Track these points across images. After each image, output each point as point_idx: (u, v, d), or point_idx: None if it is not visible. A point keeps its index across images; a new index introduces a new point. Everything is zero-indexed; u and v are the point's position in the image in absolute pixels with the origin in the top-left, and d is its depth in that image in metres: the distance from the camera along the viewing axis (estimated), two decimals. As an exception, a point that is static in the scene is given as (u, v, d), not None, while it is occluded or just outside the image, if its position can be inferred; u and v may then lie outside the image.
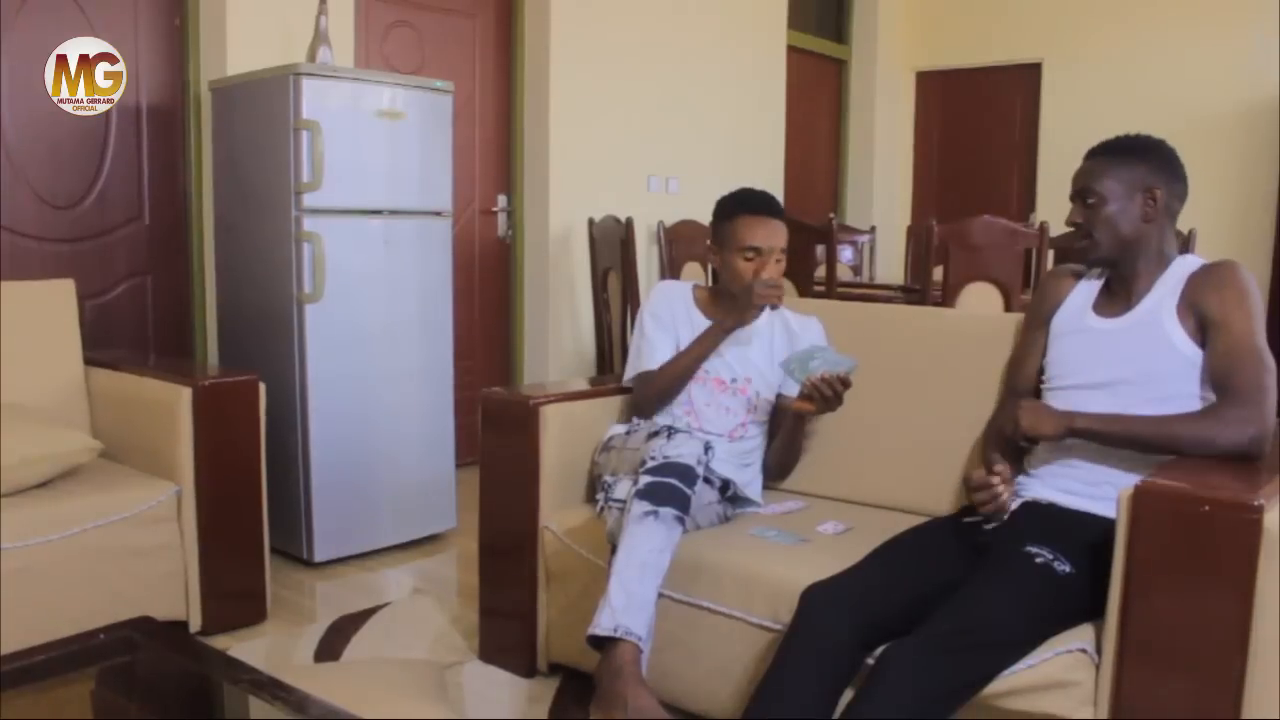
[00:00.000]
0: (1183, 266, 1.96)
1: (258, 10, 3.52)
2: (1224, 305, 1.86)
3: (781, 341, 2.48)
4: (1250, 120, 5.67)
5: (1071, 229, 2.01)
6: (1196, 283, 1.91)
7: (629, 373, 2.52)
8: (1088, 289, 2.08)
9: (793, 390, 2.35)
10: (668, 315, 2.49)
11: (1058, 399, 2.01)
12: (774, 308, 2.39)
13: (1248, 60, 5.67)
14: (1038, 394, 2.10)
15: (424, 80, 3.46)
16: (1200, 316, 1.88)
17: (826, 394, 2.18)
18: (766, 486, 2.50)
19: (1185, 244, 4.46)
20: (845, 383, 2.18)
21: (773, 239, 2.38)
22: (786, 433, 2.47)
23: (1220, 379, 1.84)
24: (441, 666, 2.41)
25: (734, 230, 2.39)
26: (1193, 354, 1.88)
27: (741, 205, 2.42)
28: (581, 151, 4.71)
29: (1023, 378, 2.15)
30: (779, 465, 2.52)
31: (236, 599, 2.71)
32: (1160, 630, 1.57)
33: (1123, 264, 1.98)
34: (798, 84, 6.15)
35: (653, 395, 2.43)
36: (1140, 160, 1.95)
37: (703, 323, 2.48)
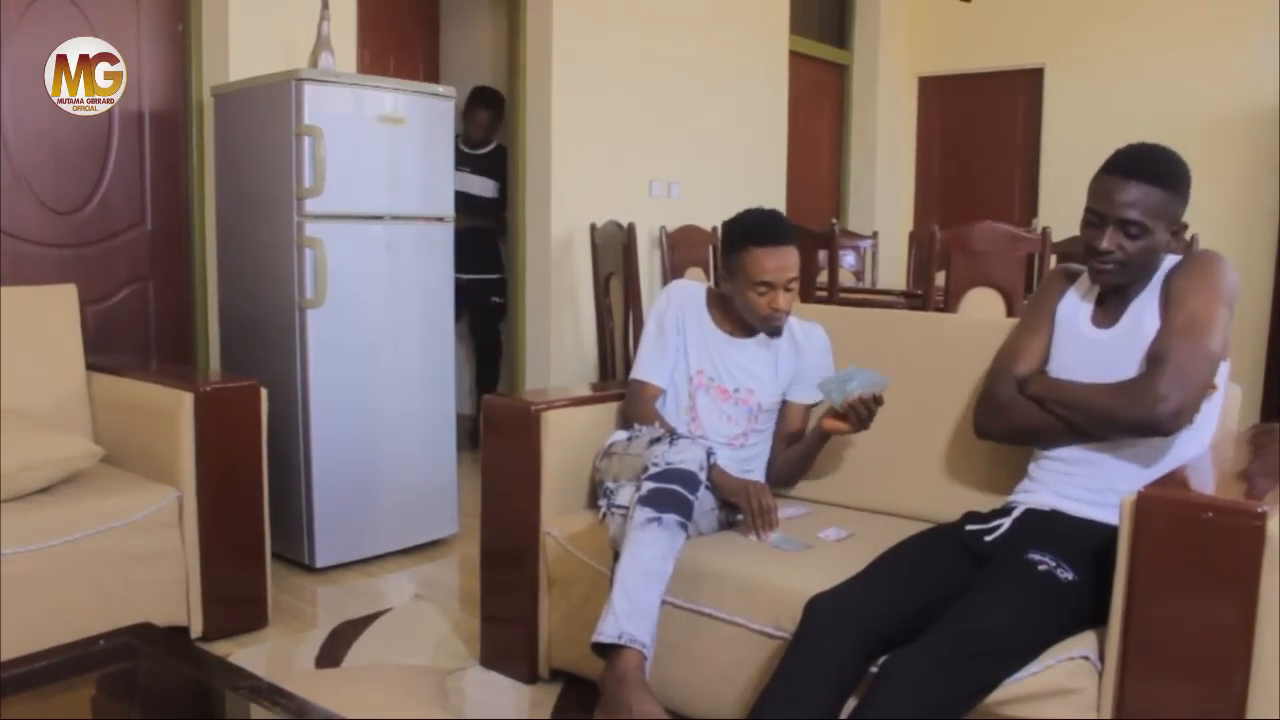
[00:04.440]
0: (1164, 267, 1.96)
1: (260, 16, 3.52)
2: (1186, 288, 1.86)
3: (787, 350, 2.47)
4: (1252, 125, 5.67)
5: (1096, 252, 1.90)
6: (1172, 275, 1.92)
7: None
8: (1088, 291, 2.07)
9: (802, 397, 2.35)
10: (675, 323, 2.48)
11: None
12: (759, 534, 2.20)
13: (1249, 65, 5.66)
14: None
15: (425, 86, 3.46)
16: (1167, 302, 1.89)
17: (863, 414, 2.18)
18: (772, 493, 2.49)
19: (1187, 249, 4.45)
20: (879, 400, 2.18)
21: (784, 270, 2.32)
22: (806, 447, 2.44)
23: (1153, 353, 1.83)
24: (443, 672, 2.40)
25: (743, 264, 2.34)
26: None
27: (749, 235, 2.35)
28: (583, 157, 4.70)
29: (1026, 356, 2.07)
30: (789, 474, 2.50)
31: (238, 605, 2.71)
32: (1163, 637, 1.57)
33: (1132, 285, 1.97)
34: (800, 89, 6.15)
35: (635, 416, 2.44)
36: (1179, 193, 1.89)
37: (712, 328, 2.48)
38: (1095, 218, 1.90)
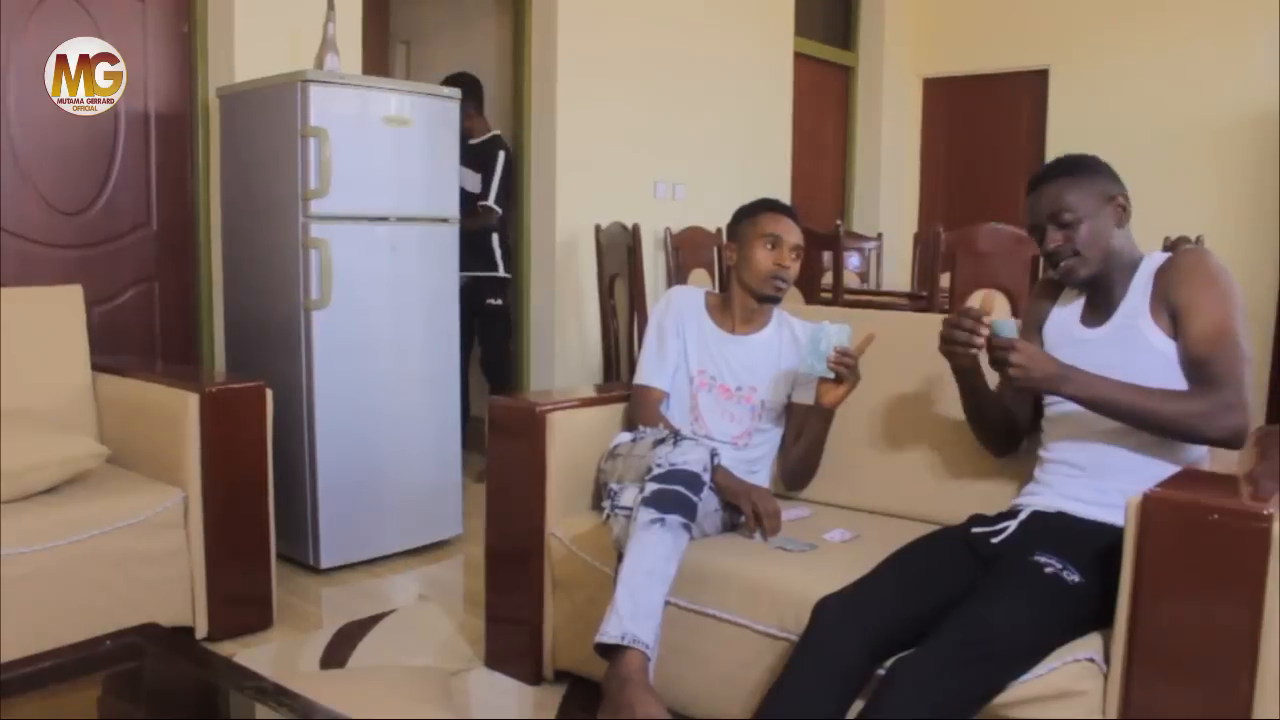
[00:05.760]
0: (1150, 264, 1.96)
1: (265, 17, 3.53)
2: (1191, 291, 1.86)
3: (789, 351, 2.48)
4: (1255, 126, 5.65)
5: (1049, 255, 1.99)
6: (1164, 275, 1.92)
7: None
8: (1074, 298, 2.08)
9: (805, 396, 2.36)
10: (675, 327, 2.51)
11: (1055, 419, 2.02)
12: (764, 537, 2.22)
13: (1252, 66, 5.65)
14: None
15: (431, 87, 3.47)
16: (1171, 308, 1.88)
17: (850, 365, 2.23)
18: (776, 495, 2.49)
19: (1173, 246, 4.44)
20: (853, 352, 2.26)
21: (792, 234, 2.46)
22: (812, 437, 2.42)
23: (1196, 365, 1.83)
24: (447, 673, 2.40)
25: (754, 223, 2.48)
26: (1169, 350, 1.88)
27: (763, 205, 2.54)
28: (588, 158, 4.71)
29: None
30: (802, 469, 2.48)
31: (243, 605, 2.72)
32: (1169, 639, 1.57)
33: (1103, 276, 1.98)
34: (805, 90, 6.15)
35: (639, 420, 2.45)
36: (1094, 173, 1.99)
37: (713, 331, 2.50)
38: (1034, 232, 2.02)
